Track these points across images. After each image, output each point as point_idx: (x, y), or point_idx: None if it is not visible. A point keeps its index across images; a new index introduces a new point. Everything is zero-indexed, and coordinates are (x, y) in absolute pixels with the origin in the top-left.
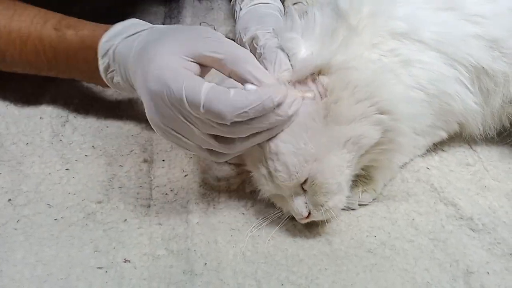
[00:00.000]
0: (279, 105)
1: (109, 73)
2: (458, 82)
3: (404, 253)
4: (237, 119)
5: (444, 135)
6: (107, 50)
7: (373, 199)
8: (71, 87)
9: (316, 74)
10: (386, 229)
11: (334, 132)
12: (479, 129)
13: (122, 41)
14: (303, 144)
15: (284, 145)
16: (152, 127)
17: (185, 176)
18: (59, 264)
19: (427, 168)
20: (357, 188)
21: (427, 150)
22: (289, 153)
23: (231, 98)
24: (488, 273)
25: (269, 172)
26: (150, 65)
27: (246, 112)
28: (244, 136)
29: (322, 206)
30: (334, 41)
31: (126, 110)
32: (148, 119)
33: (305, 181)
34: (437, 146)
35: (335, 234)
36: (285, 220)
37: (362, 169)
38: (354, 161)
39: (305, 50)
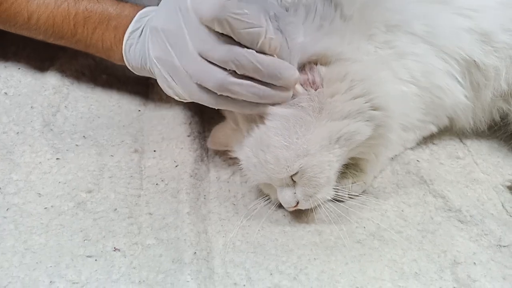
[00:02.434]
0: (270, 50)
1: (130, 39)
2: (449, 75)
3: (392, 244)
4: (225, 22)
5: (434, 129)
6: (144, 17)
7: (363, 191)
8: (62, 76)
9: (313, 63)
10: (375, 220)
11: (327, 128)
12: (470, 123)
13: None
14: (295, 139)
15: (276, 138)
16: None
17: (176, 166)
18: (49, 253)
19: (417, 160)
20: (347, 179)
21: (418, 143)
22: (281, 146)
23: None
24: (475, 263)
25: (259, 162)
26: None
27: (233, 18)
28: (235, 70)
29: (310, 197)
30: (332, 31)
31: (118, 100)
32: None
33: (295, 173)
34: (428, 139)
35: (325, 224)
36: (274, 207)
37: (352, 162)
38: (344, 155)
39: (304, 36)
